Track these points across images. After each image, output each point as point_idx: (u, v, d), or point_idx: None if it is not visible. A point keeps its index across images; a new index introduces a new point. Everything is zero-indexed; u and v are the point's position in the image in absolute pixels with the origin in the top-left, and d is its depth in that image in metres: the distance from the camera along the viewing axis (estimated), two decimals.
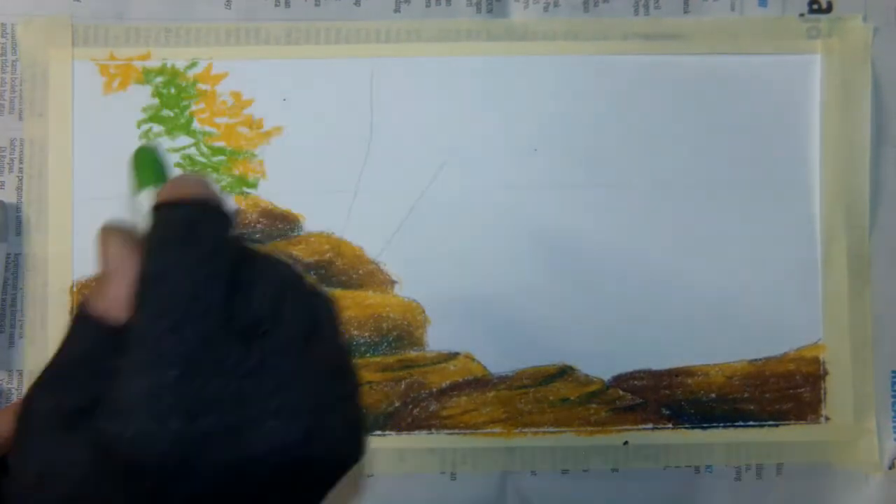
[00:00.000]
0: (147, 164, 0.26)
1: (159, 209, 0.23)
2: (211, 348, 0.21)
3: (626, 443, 0.42)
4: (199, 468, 0.21)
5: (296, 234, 0.41)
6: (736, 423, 0.42)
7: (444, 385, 0.41)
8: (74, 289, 0.41)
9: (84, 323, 0.23)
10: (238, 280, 0.23)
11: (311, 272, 0.41)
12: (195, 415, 0.21)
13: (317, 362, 0.23)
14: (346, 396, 0.24)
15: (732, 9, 0.42)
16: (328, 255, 0.41)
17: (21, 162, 0.41)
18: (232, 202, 0.41)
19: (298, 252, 0.41)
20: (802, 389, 0.42)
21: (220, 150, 0.41)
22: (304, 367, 0.23)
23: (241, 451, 0.21)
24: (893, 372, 0.42)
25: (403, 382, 0.41)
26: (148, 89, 0.41)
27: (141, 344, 0.21)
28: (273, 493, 0.22)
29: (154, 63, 0.41)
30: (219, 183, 0.41)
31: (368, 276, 0.41)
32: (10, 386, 0.41)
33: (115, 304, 0.22)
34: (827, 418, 0.42)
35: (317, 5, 0.42)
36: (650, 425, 0.42)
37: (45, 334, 0.41)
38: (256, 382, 0.22)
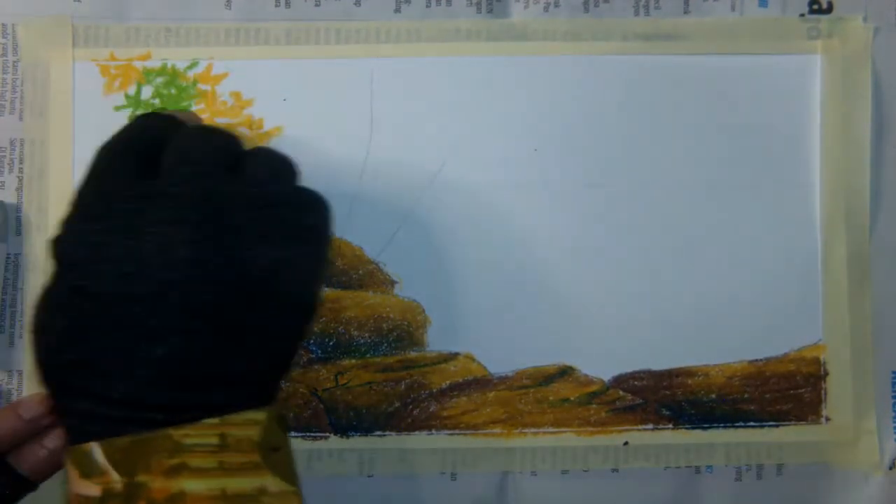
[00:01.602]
0: None
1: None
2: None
3: (626, 443, 0.42)
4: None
5: None
6: (736, 424, 0.42)
7: (444, 385, 0.41)
8: None
9: None
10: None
11: None
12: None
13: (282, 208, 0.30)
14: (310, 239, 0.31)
15: (733, 9, 0.42)
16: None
17: (21, 162, 0.41)
18: None
19: None
20: (803, 390, 0.42)
21: None
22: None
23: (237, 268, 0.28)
24: (894, 372, 0.42)
25: (403, 383, 0.41)
26: (149, 90, 0.41)
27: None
28: (256, 309, 0.28)
29: (154, 63, 0.41)
30: None
31: (368, 276, 0.41)
32: (10, 386, 0.41)
33: None
34: (827, 419, 0.42)
35: (317, 5, 0.42)
36: (650, 425, 0.42)
37: None
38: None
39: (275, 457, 0.28)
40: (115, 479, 0.26)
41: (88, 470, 0.26)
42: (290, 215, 0.30)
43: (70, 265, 0.28)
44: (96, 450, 0.26)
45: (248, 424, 0.27)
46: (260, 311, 0.28)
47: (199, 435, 0.27)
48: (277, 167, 0.31)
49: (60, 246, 0.28)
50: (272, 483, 0.27)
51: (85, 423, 0.27)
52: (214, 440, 0.27)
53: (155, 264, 0.27)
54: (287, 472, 0.28)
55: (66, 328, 0.27)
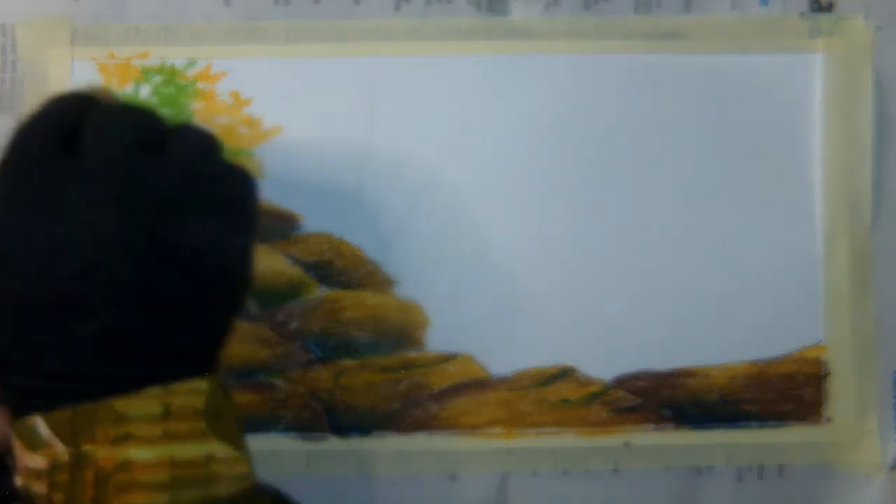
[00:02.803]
0: None
1: None
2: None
3: (627, 444, 0.41)
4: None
5: (295, 233, 0.41)
6: (737, 424, 0.42)
7: (444, 386, 0.41)
8: None
9: None
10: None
11: (311, 272, 0.41)
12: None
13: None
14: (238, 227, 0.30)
15: (733, 7, 0.42)
16: (327, 255, 0.41)
17: None
18: None
19: (297, 252, 0.41)
20: (804, 390, 0.42)
21: None
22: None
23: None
24: (895, 372, 0.42)
25: (403, 383, 0.41)
26: (147, 88, 0.41)
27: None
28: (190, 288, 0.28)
29: (153, 62, 0.41)
30: None
31: (368, 276, 0.41)
32: None
33: None
34: (829, 419, 0.42)
35: (316, 3, 0.42)
36: (651, 426, 0.41)
37: None
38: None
39: (220, 424, 0.28)
40: (61, 450, 0.26)
41: (33, 442, 0.27)
42: (215, 191, 0.30)
43: None
44: (39, 422, 0.27)
45: (192, 393, 0.28)
46: (192, 286, 0.28)
47: (142, 405, 0.27)
48: (201, 144, 0.31)
49: None
50: (220, 449, 0.28)
51: (26, 397, 0.27)
52: (158, 409, 0.27)
53: (80, 244, 0.27)
54: (234, 437, 0.29)
55: None
